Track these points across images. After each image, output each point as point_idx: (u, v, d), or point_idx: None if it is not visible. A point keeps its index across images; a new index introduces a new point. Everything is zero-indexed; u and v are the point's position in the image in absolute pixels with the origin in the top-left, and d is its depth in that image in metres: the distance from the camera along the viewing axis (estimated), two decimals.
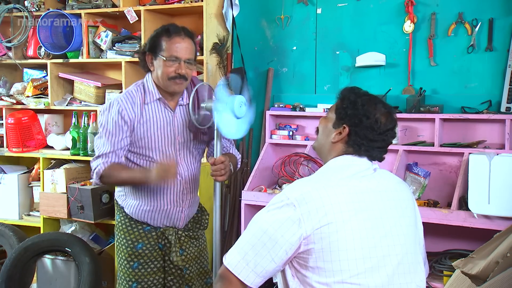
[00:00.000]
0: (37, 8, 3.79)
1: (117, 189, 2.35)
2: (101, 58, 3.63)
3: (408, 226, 1.50)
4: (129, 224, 2.24)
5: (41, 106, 3.76)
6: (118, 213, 2.31)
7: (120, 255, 2.26)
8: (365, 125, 1.49)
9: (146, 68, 2.19)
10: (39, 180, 3.69)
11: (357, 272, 1.37)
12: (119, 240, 2.28)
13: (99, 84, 3.62)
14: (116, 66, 3.73)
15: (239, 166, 2.36)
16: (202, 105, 2.04)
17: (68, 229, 3.65)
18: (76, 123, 3.56)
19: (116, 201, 2.33)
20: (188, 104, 2.16)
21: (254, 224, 1.43)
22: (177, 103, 2.19)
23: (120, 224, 2.28)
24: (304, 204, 1.37)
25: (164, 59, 2.07)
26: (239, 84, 2.03)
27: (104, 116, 2.13)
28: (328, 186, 1.42)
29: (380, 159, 1.56)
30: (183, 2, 3.37)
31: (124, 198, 2.27)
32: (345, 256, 1.37)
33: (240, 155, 2.36)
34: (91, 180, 2.28)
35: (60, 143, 3.74)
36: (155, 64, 2.13)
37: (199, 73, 3.36)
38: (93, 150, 3.46)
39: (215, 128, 2.03)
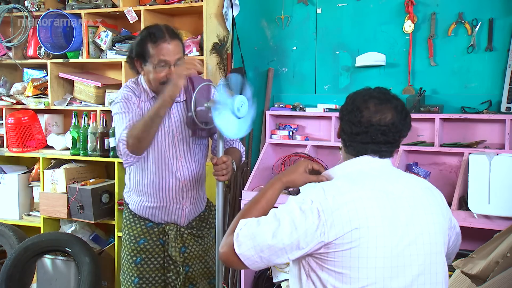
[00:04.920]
0: (37, 8, 3.79)
1: (124, 188, 2.36)
2: (101, 58, 3.63)
3: (437, 234, 1.45)
4: (132, 220, 2.28)
5: (41, 106, 3.76)
6: (124, 209, 2.36)
7: (124, 250, 2.30)
8: (347, 119, 1.50)
9: (136, 71, 2.20)
10: (39, 180, 3.70)
11: (375, 280, 1.35)
12: (123, 236, 2.33)
13: (99, 84, 3.62)
14: (116, 66, 3.73)
15: (243, 159, 2.35)
16: (205, 104, 2.04)
17: (68, 229, 3.65)
18: (76, 123, 3.56)
19: (124, 197, 2.37)
20: (185, 100, 2.19)
21: (275, 221, 1.38)
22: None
23: (125, 220, 2.33)
24: (328, 209, 1.35)
25: (153, 66, 2.09)
26: (240, 83, 2.02)
27: (114, 107, 2.16)
28: (353, 191, 1.39)
29: (378, 154, 1.50)
30: (183, 2, 3.37)
31: (129, 194, 2.32)
32: (365, 264, 1.34)
33: (244, 148, 2.35)
34: (121, 157, 2.08)
35: (60, 143, 3.74)
36: (145, 70, 2.14)
37: (199, 73, 3.36)
38: (93, 150, 3.47)
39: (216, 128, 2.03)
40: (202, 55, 3.32)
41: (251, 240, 1.37)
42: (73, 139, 3.56)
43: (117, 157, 3.10)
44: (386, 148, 1.50)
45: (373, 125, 1.46)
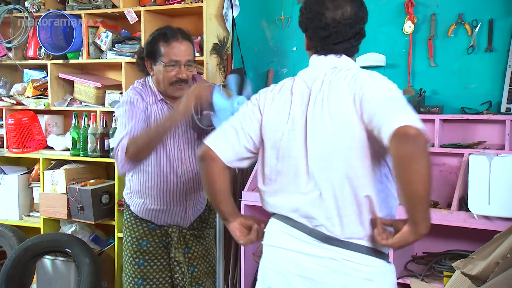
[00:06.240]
0: (37, 9, 3.79)
1: (124, 189, 2.35)
2: (101, 58, 3.63)
3: (338, 121, 1.47)
4: (134, 222, 2.27)
5: (41, 107, 3.76)
6: (124, 211, 2.35)
7: (126, 252, 2.29)
8: (312, 26, 1.53)
9: (146, 72, 2.20)
10: (39, 181, 3.70)
11: (269, 163, 1.55)
12: (125, 238, 2.32)
13: (99, 85, 3.62)
14: (116, 66, 3.73)
15: None
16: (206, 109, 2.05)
17: (68, 229, 3.65)
18: (76, 124, 3.56)
19: (124, 199, 2.36)
20: None
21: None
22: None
23: (126, 222, 2.32)
24: (257, 100, 1.62)
25: (164, 64, 2.09)
26: (239, 84, 2.02)
27: (118, 110, 2.14)
28: (272, 88, 1.61)
29: (347, 52, 1.57)
30: (183, 2, 3.37)
31: (130, 196, 2.31)
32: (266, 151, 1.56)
33: None
34: (117, 160, 2.04)
35: (60, 143, 3.75)
36: (155, 69, 2.14)
37: (199, 73, 3.36)
38: (93, 151, 3.47)
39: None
40: (202, 55, 3.32)
41: (216, 131, 1.64)
42: (73, 140, 3.56)
43: None
44: (356, 43, 1.57)
45: (340, 22, 1.50)
